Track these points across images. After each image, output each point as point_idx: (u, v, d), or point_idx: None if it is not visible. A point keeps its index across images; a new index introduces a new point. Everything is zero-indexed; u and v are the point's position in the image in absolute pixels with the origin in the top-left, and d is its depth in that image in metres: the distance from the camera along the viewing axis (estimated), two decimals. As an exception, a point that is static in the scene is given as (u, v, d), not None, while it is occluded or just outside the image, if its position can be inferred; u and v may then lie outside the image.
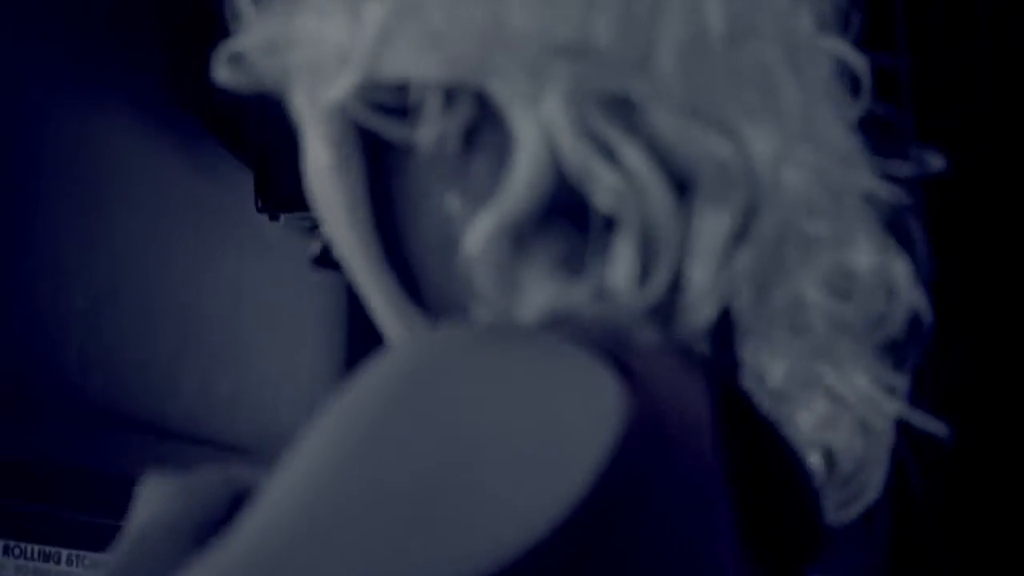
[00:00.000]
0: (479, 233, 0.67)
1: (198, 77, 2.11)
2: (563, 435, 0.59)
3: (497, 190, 0.68)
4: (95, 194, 1.92)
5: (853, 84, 0.77)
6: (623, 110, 0.67)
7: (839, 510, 0.76)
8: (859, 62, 0.77)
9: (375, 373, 0.62)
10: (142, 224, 1.99)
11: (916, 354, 0.77)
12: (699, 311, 0.67)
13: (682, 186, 0.68)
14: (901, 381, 0.76)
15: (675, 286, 0.66)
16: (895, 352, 0.76)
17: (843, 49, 0.76)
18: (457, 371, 0.61)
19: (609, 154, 0.66)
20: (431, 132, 0.70)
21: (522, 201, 0.67)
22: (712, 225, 0.67)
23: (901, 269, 0.75)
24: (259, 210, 2.04)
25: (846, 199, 0.73)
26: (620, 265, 0.66)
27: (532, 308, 0.67)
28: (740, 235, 0.68)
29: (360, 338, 2.25)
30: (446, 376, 0.60)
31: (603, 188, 0.66)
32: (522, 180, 0.67)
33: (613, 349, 0.63)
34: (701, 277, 0.67)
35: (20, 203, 1.82)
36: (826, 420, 0.76)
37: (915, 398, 0.76)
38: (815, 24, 0.74)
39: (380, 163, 0.76)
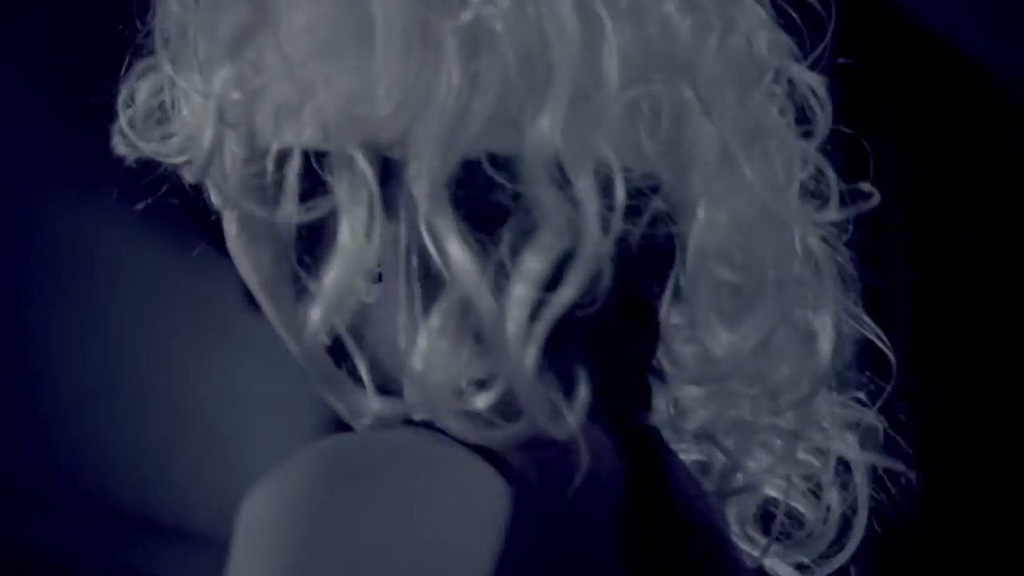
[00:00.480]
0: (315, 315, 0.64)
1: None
2: (458, 539, 0.59)
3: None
4: (86, 285, 1.93)
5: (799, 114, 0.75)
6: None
7: (819, 564, 0.74)
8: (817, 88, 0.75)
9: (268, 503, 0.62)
10: (133, 316, 2.00)
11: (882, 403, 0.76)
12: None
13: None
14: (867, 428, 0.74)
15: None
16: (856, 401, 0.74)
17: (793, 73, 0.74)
18: (344, 490, 0.60)
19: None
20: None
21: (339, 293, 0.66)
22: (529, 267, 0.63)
23: (833, 324, 0.72)
24: (251, 305, 2.05)
25: (783, 250, 0.71)
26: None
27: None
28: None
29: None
30: (337, 498, 0.60)
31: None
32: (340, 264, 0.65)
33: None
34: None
35: (10, 293, 1.84)
36: (780, 465, 0.74)
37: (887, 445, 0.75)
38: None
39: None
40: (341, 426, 2.34)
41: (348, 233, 0.64)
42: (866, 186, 0.74)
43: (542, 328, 0.62)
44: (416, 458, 0.61)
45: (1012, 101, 3.53)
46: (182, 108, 0.69)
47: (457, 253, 0.62)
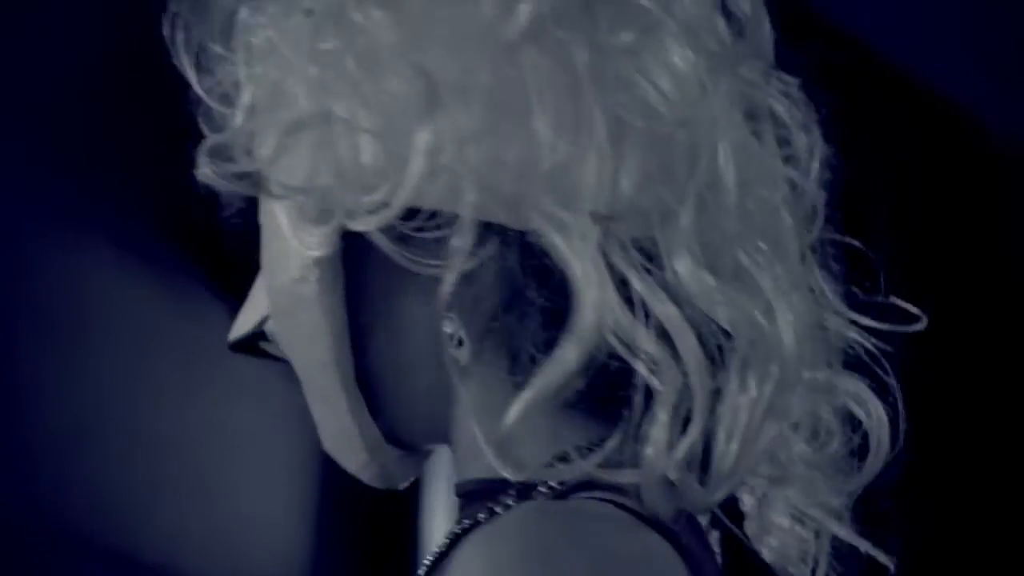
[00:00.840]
0: (525, 401, 0.67)
1: (185, 212, 2.12)
2: None
3: (542, 354, 0.67)
4: (73, 329, 1.93)
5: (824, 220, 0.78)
6: (649, 264, 0.68)
7: None
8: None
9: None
10: (120, 359, 2.00)
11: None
12: (722, 484, 0.67)
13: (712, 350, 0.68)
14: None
15: (702, 455, 0.67)
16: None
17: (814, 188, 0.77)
18: (554, 554, 0.62)
19: (645, 316, 0.67)
20: (455, 263, 0.69)
21: (572, 366, 0.66)
22: (744, 396, 0.67)
23: (873, 409, 0.74)
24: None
25: (830, 343, 0.73)
26: (656, 432, 0.65)
27: (545, 463, 0.68)
28: (769, 408, 0.68)
29: (334, 478, 2.24)
30: (550, 561, 0.62)
31: (644, 357, 0.66)
32: (575, 350, 0.66)
33: (662, 522, 0.64)
34: (730, 450, 0.66)
35: (0, 334, 1.84)
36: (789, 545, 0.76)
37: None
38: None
39: (368, 282, 0.76)
40: (330, 468, 2.33)
41: (588, 303, 0.67)
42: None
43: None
44: (618, 526, 0.64)
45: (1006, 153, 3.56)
46: (362, 158, 0.70)
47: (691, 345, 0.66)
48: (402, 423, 0.76)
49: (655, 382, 0.66)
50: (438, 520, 2.27)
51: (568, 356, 0.67)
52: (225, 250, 2.20)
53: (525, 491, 0.69)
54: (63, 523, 1.88)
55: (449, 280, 0.70)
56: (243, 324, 0.82)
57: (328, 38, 0.72)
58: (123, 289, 2.02)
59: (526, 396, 0.67)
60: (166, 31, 0.75)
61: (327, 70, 0.71)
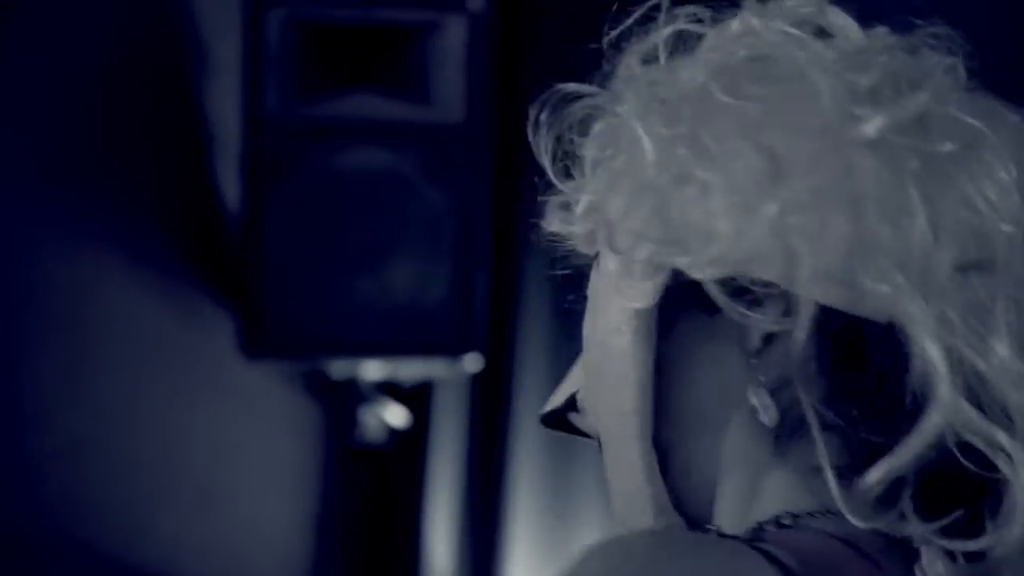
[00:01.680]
0: (877, 475, 0.72)
1: (188, 221, 2.13)
2: None
3: (898, 432, 0.72)
4: (78, 337, 1.94)
5: None
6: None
7: None
8: None
9: None
10: (123, 367, 2.00)
11: None
12: None
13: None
14: None
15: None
16: None
17: None
18: None
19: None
20: (766, 327, 0.75)
21: (925, 448, 0.71)
22: None
23: None
24: (245, 355, 2.05)
25: None
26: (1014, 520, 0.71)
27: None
28: None
29: (334, 487, 2.25)
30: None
31: (999, 452, 0.72)
32: (930, 431, 0.71)
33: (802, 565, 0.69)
34: None
35: (4, 341, 1.85)
36: None
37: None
38: None
39: (677, 338, 0.81)
40: (330, 479, 2.34)
41: (942, 398, 0.72)
42: None
43: None
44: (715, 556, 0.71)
45: None
46: (716, 222, 0.75)
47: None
48: (689, 488, 0.80)
49: (1010, 472, 0.72)
50: (439, 532, 2.27)
51: (914, 443, 0.72)
52: (230, 261, 2.21)
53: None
54: (66, 531, 1.89)
55: (756, 337, 0.76)
56: (557, 398, 0.85)
57: (679, 120, 0.78)
58: (127, 299, 2.03)
59: (882, 467, 0.73)
60: (530, 135, 0.82)
61: (678, 144, 0.77)
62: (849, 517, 0.72)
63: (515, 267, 2.15)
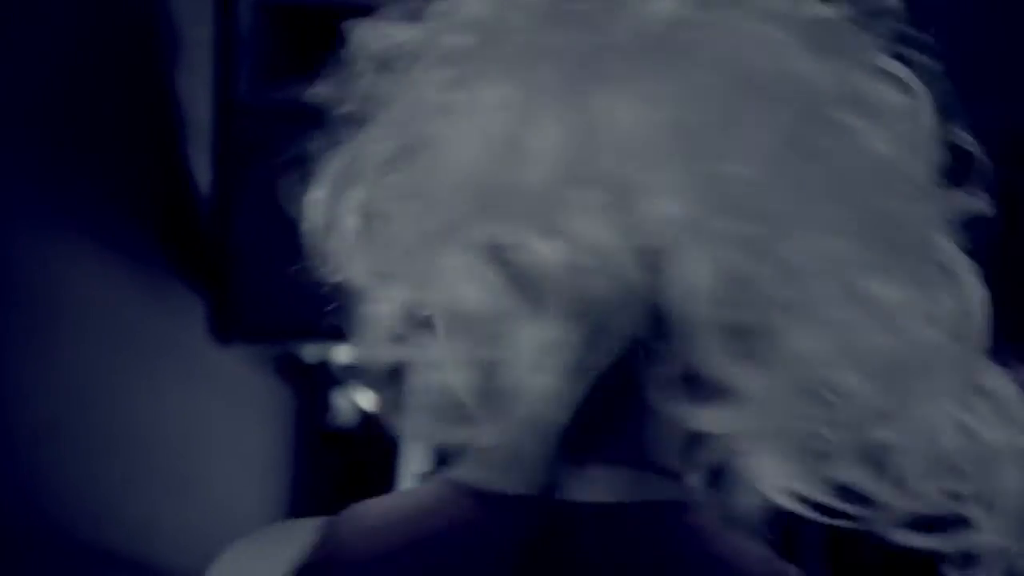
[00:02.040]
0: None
1: (160, 206, 2.12)
2: None
3: None
4: (49, 322, 1.94)
5: None
6: None
7: None
8: None
9: None
10: (95, 352, 2.00)
11: None
12: None
13: None
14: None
15: None
16: None
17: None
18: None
19: None
20: None
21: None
22: None
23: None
24: (217, 339, 2.05)
25: None
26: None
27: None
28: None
29: (307, 471, 2.25)
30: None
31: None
32: None
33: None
34: None
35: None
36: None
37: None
38: None
39: None
40: (302, 464, 2.34)
41: None
42: None
43: None
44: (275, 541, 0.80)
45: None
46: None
47: None
48: None
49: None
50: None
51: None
52: (201, 245, 2.21)
53: None
54: (38, 516, 1.88)
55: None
56: None
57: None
58: (98, 283, 2.02)
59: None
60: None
61: None
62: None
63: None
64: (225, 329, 2.01)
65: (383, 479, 2.25)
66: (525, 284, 0.70)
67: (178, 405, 2.14)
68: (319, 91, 0.85)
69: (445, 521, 0.73)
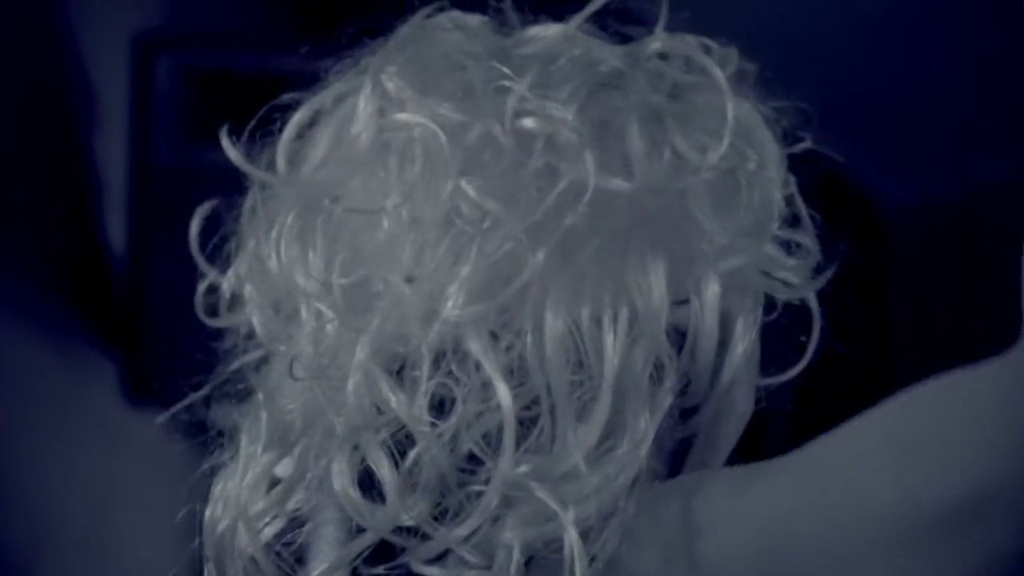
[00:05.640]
0: None
1: (73, 268, 2.10)
2: None
3: None
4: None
5: None
6: None
7: None
8: None
9: None
10: (3, 414, 1.98)
11: None
12: None
13: None
14: None
15: None
16: None
17: None
18: None
19: None
20: None
21: None
22: None
23: None
24: (130, 403, 2.03)
25: None
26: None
27: None
28: None
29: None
30: None
31: None
32: None
33: None
34: None
35: None
36: None
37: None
38: None
39: None
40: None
41: None
42: None
43: None
44: None
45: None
46: None
47: None
48: None
49: None
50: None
51: None
52: (115, 308, 2.19)
53: None
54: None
55: None
56: None
57: None
58: (8, 344, 2.00)
59: None
60: None
61: None
62: None
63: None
64: (138, 392, 2.00)
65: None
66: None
67: (88, 468, 2.11)
68: (233, 156, 0.87)
69: None
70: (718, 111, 0.80)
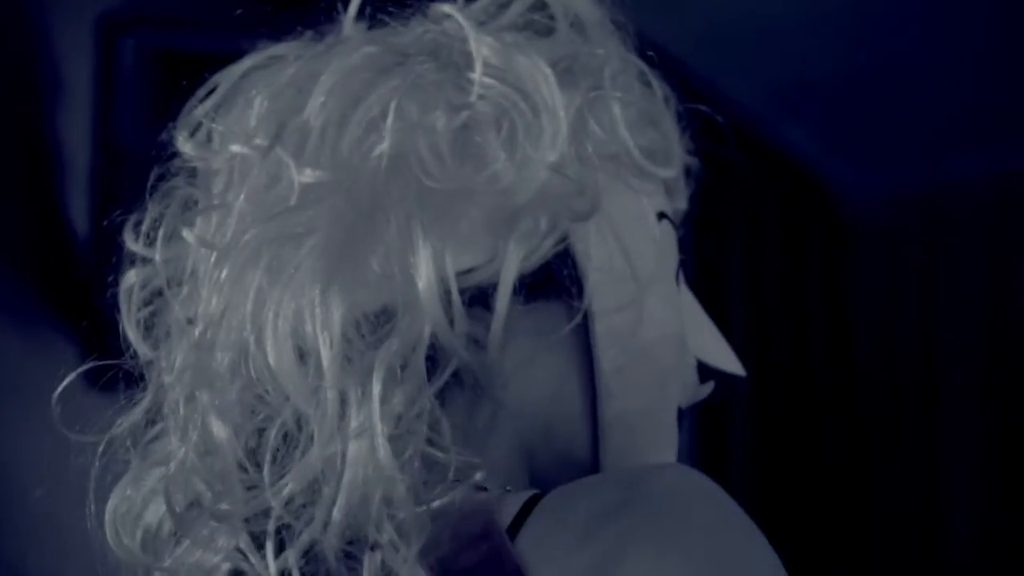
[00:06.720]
0: None
1: (37, 251, 2.09)
2: None
3: None
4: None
5: None
6: None
7: None
8: None
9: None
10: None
11: None
12: None
13: None
14: None
15: None
16: None
17: None
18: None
19: None
20: None
21: None
22: None
23: None
24: (93, 385, 2.02)
25: None
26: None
27: None
28: None
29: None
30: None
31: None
32: None
33: None
34: None
35: None
36: None
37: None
38: None
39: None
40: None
41: None
42: None
43: None
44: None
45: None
46: None
47: None
48: None
49: None
50: None
51: None
52: (79, 291, 2.18)
53: None
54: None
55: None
56: None
57: None
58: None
59: None
60: None
61: None
62: None
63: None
64: (102, 375, 1.99)
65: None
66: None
67: (53, 451, 2.10)
68: (180, 137, 0.88)
69: None
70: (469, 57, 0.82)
